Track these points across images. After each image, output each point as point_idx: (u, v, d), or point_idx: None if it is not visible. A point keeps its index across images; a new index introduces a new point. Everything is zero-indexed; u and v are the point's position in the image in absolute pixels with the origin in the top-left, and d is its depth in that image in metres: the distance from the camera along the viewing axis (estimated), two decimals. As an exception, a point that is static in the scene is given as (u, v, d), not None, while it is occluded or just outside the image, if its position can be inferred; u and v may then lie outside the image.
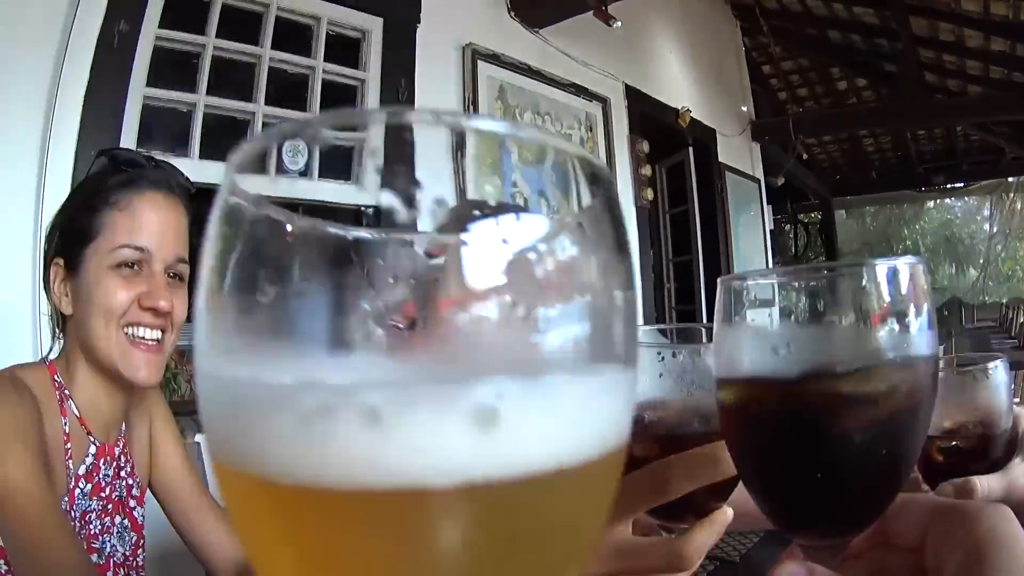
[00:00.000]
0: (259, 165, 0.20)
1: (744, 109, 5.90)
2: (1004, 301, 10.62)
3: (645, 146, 3.82)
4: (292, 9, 2.12)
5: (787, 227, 9.86)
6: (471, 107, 2.53)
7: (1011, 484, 0.61)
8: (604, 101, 3.48)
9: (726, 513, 0.48)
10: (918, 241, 13.00)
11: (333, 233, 0.19)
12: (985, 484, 0.60)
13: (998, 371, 0.66)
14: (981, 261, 12.33)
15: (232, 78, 2.07)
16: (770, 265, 6.39)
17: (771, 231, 6.89)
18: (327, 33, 2.11)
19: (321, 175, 1.88)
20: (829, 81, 7.73)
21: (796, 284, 0.36)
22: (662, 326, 0.59)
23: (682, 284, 5.12)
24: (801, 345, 0.35)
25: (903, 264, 0.36)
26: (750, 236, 5.86)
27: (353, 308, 0.18)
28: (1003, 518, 0.34)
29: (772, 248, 6.86)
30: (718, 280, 0.38)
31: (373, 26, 2.20)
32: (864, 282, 0.35)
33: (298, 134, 0.20)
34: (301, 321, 0.18)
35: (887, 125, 7.94)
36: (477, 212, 0.21)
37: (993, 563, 0.32)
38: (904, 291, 0.35)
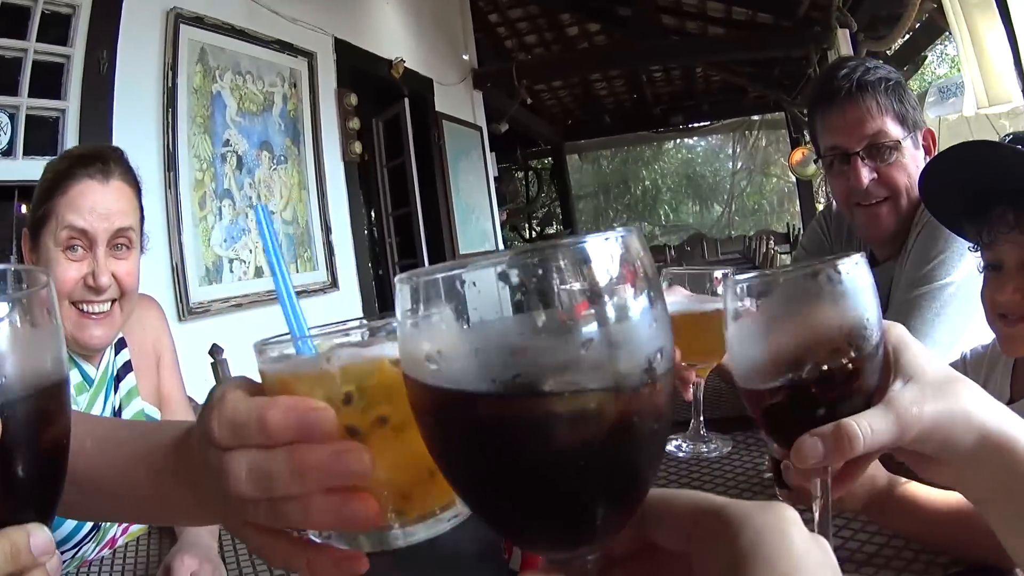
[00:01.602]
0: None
1: (466, 58, 6.90)
2: (751, 234, 12.35)
3: (353, 99, 4.58)
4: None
5: (518, 174, 11.26)
6: (170, 72, 3.08)
7: (899, 417, 0.54)
8: (310, 56, 4.17)
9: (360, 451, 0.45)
10: (658, 181, 15.30)
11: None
12: (866, 426, 0.53)
13: (860, 268, 0.56)
14: (726, 197, 14.59)
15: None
16: (495, 212, 7.56)
17: (495, 178, 8.04)
18: (42, 12, 2.54)
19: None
20: (560, 27, 8.99)
21: (475, 279, 0.33)
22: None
23: (404, 238, 5.93)
24: (489, 352, 0.33)
25: (608, 240, 0.34)
26: (473, 185, 6.92)
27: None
28: (769, 526, 0.34)
29: (497, 195, 8.02)
30: (396, 280, 0.36)
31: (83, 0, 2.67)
32: (559, 265, 0.33)
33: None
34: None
35: (618, 67, 9.32)
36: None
37: None
38: (614, 273, 0.33)
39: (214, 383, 1.81)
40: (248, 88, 3.61)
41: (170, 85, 3.07)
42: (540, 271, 0.33)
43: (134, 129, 2.91)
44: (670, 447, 1.31)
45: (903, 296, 1.51)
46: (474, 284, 0.34)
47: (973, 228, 1.12)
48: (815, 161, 1.75)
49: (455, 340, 0.34)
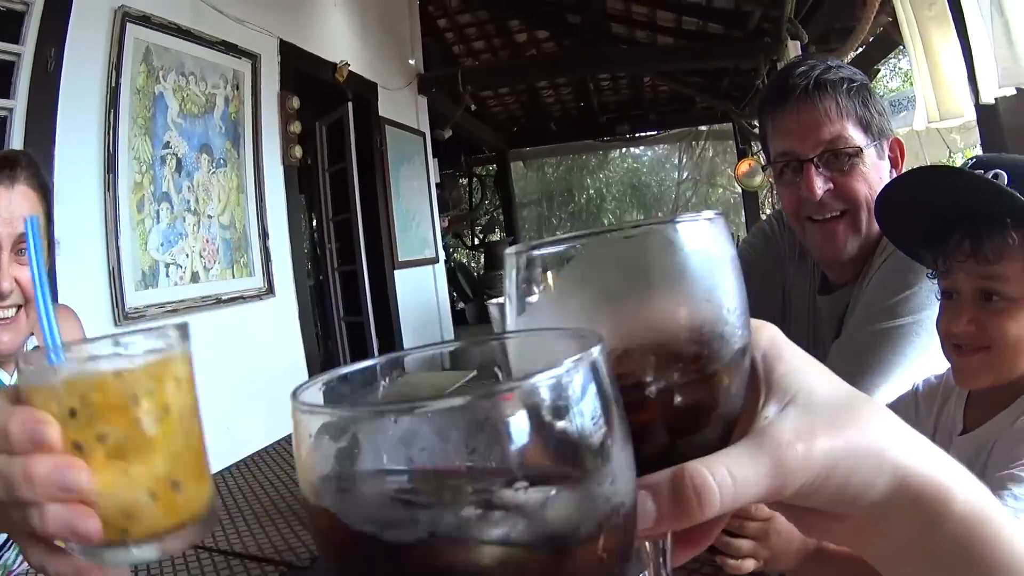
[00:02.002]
0: None
1: (412, 62, 7.06)
2: None
3: (295, 102, 4.70)
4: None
5: (462, 180, 11.44)
6: (115, 72, 3.16)
7: (775, 459, 0.38)
8: (254, 58, 4.27)
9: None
10: (603, 189, 15.64)
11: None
12: (723, 473, 0.37)
13: (714, 231, 0.40)
14: (670, 206, 14.84)
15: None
16: (436, 219, 7.70)
17: (438, 185, 8.20)
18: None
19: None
20: (508, 33, 9.22)
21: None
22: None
23: (344, 244, 6.04)
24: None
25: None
26: (414, 191, 7.07)
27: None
28: None
29: (440, 202, 8.18)
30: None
31: (38, -4, 2.75)
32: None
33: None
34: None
35: (566, 75, 9.59)
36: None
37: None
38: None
39: None
40: (191, 89, 3.70)
41: (113, 85, 3.16)
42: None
43: (76, 129, 2.99)
44: None
45: (862, 327, 1.37)
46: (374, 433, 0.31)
47: (930, 255, 1.11)
48: (764, 169, 1.75)
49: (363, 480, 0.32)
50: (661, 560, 0.42)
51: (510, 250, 0.40)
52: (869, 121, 1.42)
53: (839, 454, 0.39)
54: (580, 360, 0.30)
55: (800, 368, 0.42)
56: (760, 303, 1.64)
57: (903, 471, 0.41)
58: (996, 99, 2.65)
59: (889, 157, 1.47)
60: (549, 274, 0.39)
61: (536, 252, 0.39)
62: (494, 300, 2.13)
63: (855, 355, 1.33)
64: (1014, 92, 2.59)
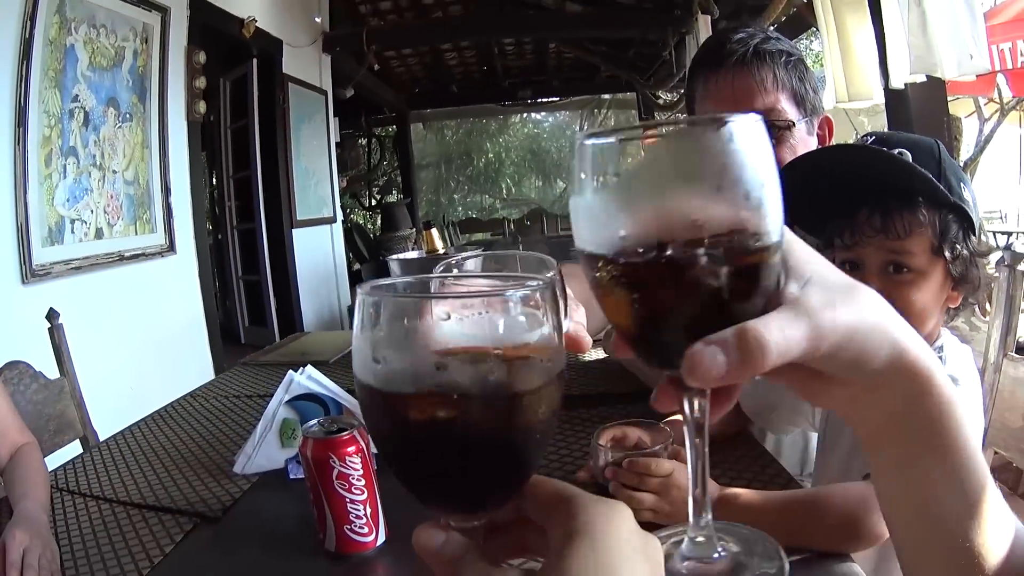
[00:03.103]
0: None
1: (318, 20, 7.00)
2: None
3: (202, 57, 4.65)
4: None
5: (361, 140, 11.37)
6: (29, 22, 3.10)
7: (813, 323, 0.44)
8: (164, 11, 4.22)
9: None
10: (502, 154, 15.73)
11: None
12: (776, 331, 0.42)
13: (759, 129, 0.44)
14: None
15: None
16: (335, 178, 7.70)
17: (337, 144, 8.18)
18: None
19: None
20: (415, -6, 9.18)
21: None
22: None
23: (243, 202, 6.02)
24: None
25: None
26: (314, 150, 7.06)
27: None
28: (602, 514, 0.41)
29: (338, 162, 8.16)
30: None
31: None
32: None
33: None
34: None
35: (472, 38, 9.53)
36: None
37: (567, 556, 0.39)
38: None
39: (52, 346, 2.03)
40: (101, 42, 3.66)
41: (27, 36, 3.11)
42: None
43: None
44: None
45: None
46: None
47: (835, 228, 1.13)
48: None
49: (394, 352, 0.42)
50: (699, 415, 0.48)
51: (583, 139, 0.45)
52: (803, 96, 1.46)
53: (855, 324, 0.45)
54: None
55: (810, 256, 0.48)
56: None
57: (900, 347, 0.47)
58: (906, 84, 2.84)
59: (818, 134, 1.52)
60: (623, 163, 0.45)
61: (602, 138, 0.44)
62: (394, 256, 2.29)
63: None
64: (924, 79, 2.77)
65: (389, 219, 10.08)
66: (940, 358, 1.05)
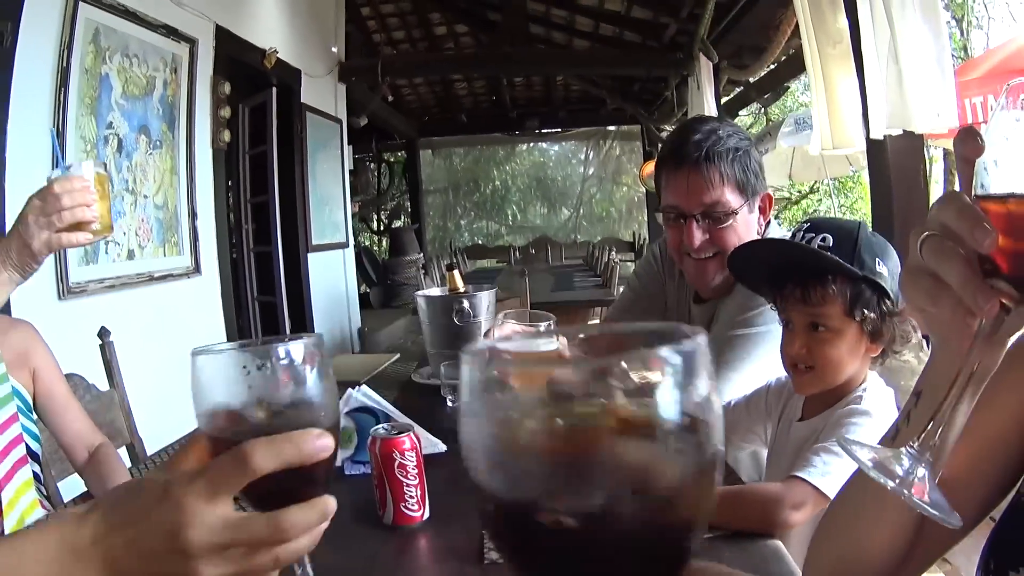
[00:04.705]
0: None
1: (335, 50, 7.22)
2: (597, 240, 13.56)
3: (227, 87, 4.84)
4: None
5: (371, 166, 11.59)
6: (66, 50, 3.27)
7: None
8: (192, 42, 4.40)
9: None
10: (508, 181, 15.96)
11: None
12: None
13: None
14: (574, 201, 15.41)
15: None
16: (347, 204, 7.88)
17: (350, 171, 8.38)
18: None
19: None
20: (428, 25, 9.46)
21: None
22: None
23: (260, 226, 6.16)
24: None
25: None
26: (328, 177, 7.25)
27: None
28: None
29: (350, 187, 8.35)
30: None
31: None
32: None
33: None
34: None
35: (483, 71, 9.85)
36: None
37: None
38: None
39: (103, 362, 2.18)
40: (133, 71, 3.83)
41: (64, 64, 3.28)
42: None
43: (29, 106, 3.10)
44: None
45: (723, 332, 1.74)
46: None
47: (770, 296, 1.46)
48: (656, 211, 2.06)
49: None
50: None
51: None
52: (746, 183, 1.75)
53: None
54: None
55: None
56: (649, 312, 2.14)
57: None
58: (885, 136, 2.98)
59: (760, 208, 1.83)
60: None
61: None
62: (420, 293, 2.43)
63: (716, 353, 1.69)
64: (900, 132, 2.93)
65: (397, 244, 10.27)
66: (860, 397, 1.36)
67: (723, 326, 1.77)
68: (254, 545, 0.60)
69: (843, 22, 3.43)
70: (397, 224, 12.32)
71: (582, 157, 15.31)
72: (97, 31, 3.53)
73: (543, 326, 1.73)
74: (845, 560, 0.79)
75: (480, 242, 14.90)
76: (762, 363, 1.66)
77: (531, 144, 15.53)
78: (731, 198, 1.73)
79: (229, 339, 4.77)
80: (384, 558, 1.20)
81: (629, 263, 10.24)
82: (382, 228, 12.65)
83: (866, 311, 1.32)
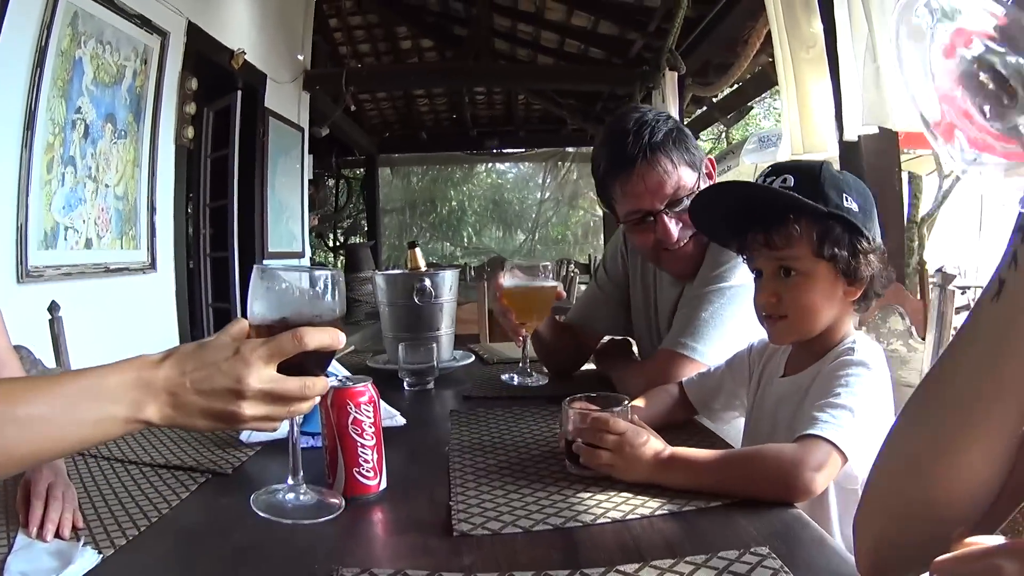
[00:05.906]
0: None
1: (301, 58, 7.22)
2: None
3: (193, 83, 4.80)
4: None
5: (330, 181, 11.54)
6: (46, 30, 3.23)
7: None
8: (164, 35, 4.37)
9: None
10: (465, 203, 15.96)
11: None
12: None
13: None
14: (530, 225, 15.45)
15: None
16: (305, 214, 7.81)
17: (310, 181, 8.31)
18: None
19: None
20: (395, 39, 9.49)
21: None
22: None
23: (217, 231, 6.06)
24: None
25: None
26: (288, 186, 7.19)
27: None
28: None
29: (309, 200, 8.28)
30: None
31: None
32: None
33: None
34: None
35: (446, 84, 9.88)
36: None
37: None
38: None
39: (51, 337, 2.14)
40: (106, 59, 3.80)
41: (42, 44, 3.25)
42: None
43: (3, 84, 3.08)
44: (504, 376, 1.96)
45: (694, 292, 1.74)
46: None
47: (735, 245, 1.40)
48: (617, 223, 2.02)
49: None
50: None
51: None
52: (693, 159, 1.74)
53: None
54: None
55: None
56: (614, 299, 2.14)
57: None
58: (859, 137, 3.00)
59: (707, 174, 1.80)
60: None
61: None
62: (379, 272, 2.44)
63: (691, 309, 1.75)
64: (876, 131, 2.93)
65: (353, 260, 10.19)
66: (851, 349, 1.27)
67: (696, 287, 1.76)
68: (284, 398, 0.87)
69: (817, 26, 3.45)
70: (353, 241, 12.23)
71: (539, 180, 15.41)
72: (76, 15, 3.51)
73: (541, 267, 1.90)
74: (922, 505, 0.68)
75: (435, 261, 14.87)
76: (740, 320, 1.61)
77: (489, 165, 15.63)
78: (688, 177, 1.72)
79: (182, 340, 4.69)
80: (338, 529, 1.04)
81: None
82: (338, 244, 12.56)
83: (836, 249, 1.26)
